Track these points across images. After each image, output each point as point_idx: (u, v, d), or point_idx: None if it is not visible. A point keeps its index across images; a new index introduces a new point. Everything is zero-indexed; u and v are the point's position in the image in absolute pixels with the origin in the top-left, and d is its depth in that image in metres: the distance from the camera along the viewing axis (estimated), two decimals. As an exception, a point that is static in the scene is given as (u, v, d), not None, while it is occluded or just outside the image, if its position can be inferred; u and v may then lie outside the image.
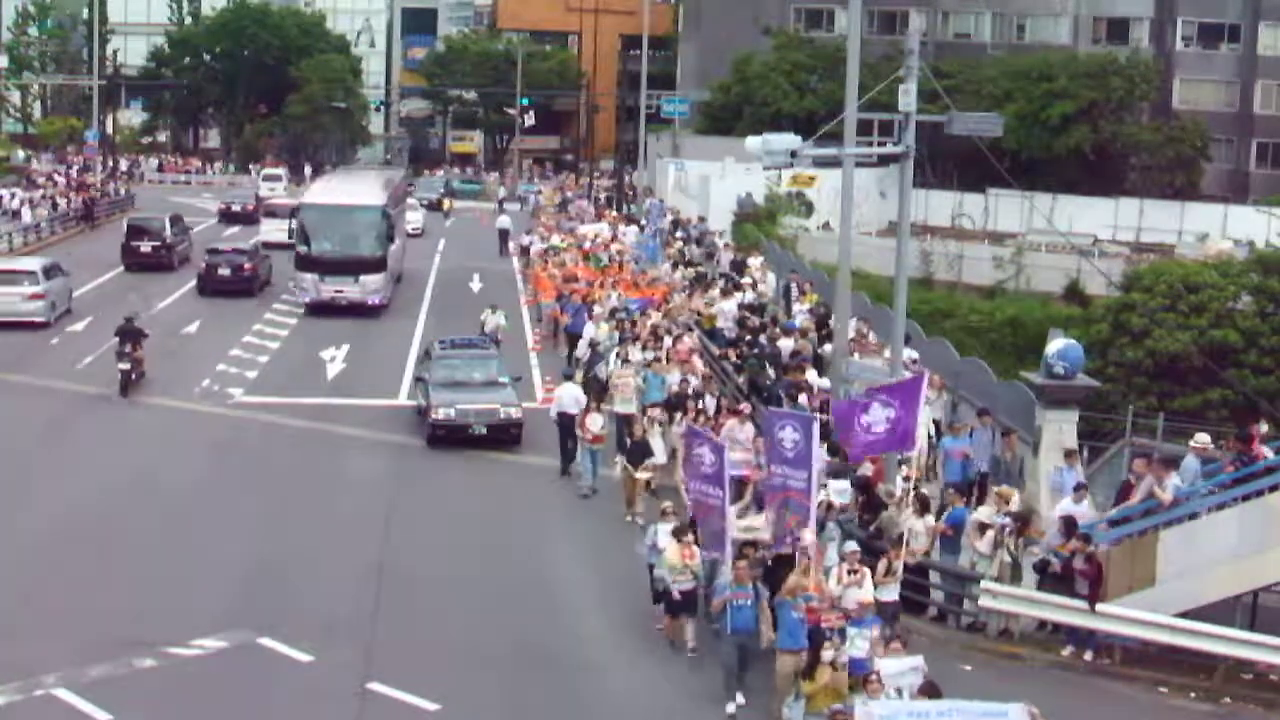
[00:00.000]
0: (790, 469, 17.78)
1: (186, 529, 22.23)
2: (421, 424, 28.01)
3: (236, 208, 63.42)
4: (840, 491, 20.18)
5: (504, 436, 27.35)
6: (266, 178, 77.68)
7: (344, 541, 21.94)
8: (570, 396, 26.13)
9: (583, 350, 31.51)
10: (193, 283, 44.16)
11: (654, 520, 19.47)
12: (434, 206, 73.17)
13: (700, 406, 24.99)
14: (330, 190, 45.13)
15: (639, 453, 23.51)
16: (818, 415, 18.45)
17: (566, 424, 25.74)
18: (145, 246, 47.57)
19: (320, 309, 39.96)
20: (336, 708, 16.22)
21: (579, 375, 29.36)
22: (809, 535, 17.29)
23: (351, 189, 44.96)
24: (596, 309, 33.85)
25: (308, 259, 40.55)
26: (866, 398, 19.70)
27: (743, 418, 23.38)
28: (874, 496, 20.86)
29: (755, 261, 41.52)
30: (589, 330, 32.20)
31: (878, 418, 18.74)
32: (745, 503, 20.02)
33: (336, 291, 39.99)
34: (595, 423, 24.80)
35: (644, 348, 29.35)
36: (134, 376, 30.69)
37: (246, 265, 43.57)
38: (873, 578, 17.35)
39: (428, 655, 17.74)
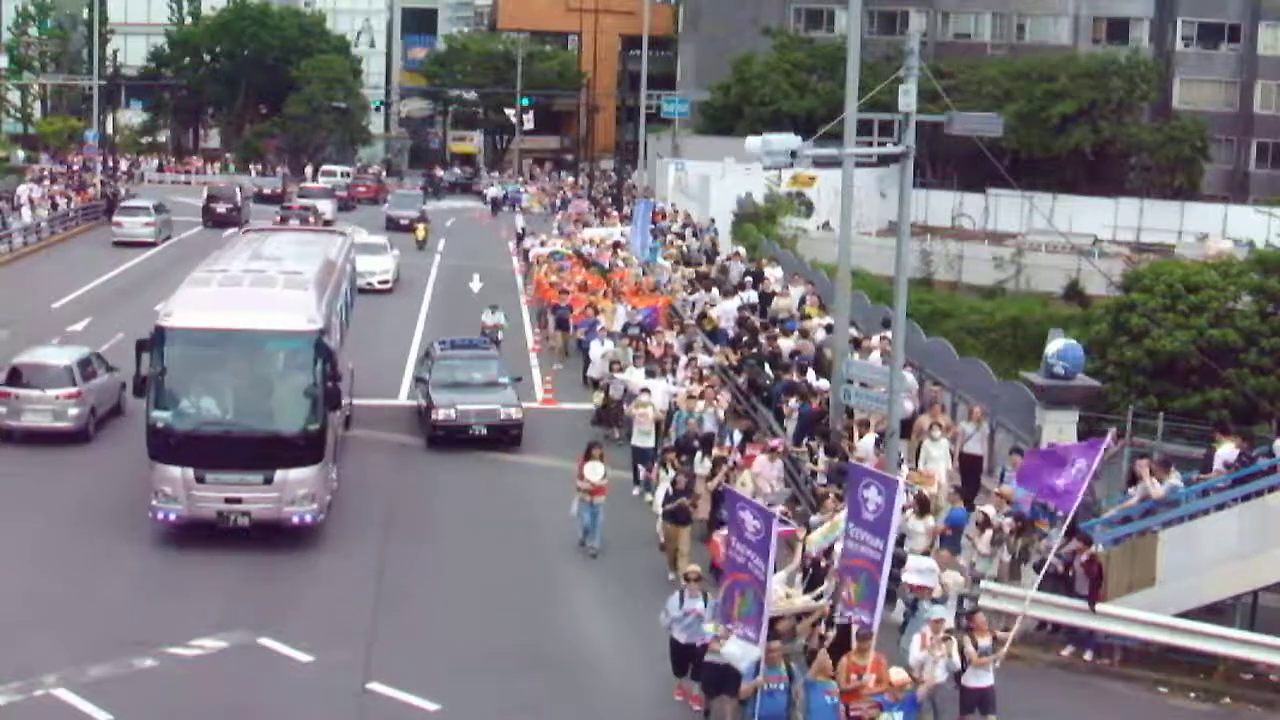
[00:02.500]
0: (868, 534, 15.70)
1: (187, 529, 22.20)
2: (422, 424, 27.98)
3: (267, 191, 74.89)
4: (921, 571, 17.58)
5: (504, 437, 27.19)
6: (324, 173, 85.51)
7: (344, 541, 21.94)
8: (660, 393, 25.83)
9: (596, 370, 30.00)
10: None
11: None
12: (406, 228, 59.92)
13: (728, 445, 23.02)
14: (216, 295, 22.71)
15: (682, 507, 20.67)
16: (900, 479, 16.54)
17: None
18: (221, 208, 62.18)
19: (197, 532, 21.48)
20: (336, 708, 16.22)
21: (597, 397, 28.85)
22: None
23: (256, 292, 22.71)
24: (602, 323, 32.65)
25: (168, 438, 21.11)
26: (1065, 453, 17.94)
27: (774, 454, 21.94)
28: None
29: (774, 273, 39.39)
30: (596, 347, 30.77)
31: (1074, 471, 17.15)
32: (794, 567, 17.69)
33: (227, 501, 21.23)
34: (595, 472, 21.53)
35: (664, 371, 27.80)
36: None
37: (310, 218, 58.15)
38: (964, 656, 15.62)
39: (428, 655, 17.75)
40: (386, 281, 44.84)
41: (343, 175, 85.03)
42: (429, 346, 31.13)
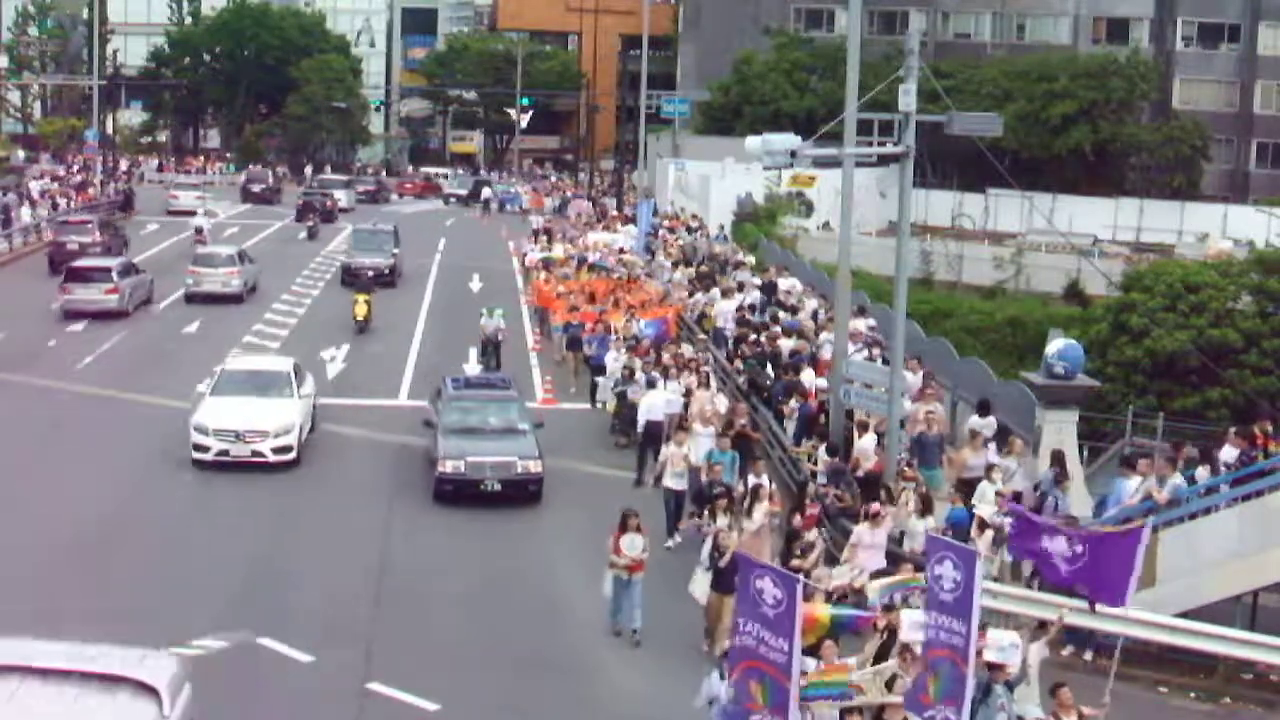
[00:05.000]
0: (947, 617, 13.13)
1: (187, 529, 22.23)
2: (428, 471, 25.01)
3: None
4: (1003, 649, 14.54)
5: (521, 494, 24.07)
6: (421, 174, 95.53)
7: (345, 541, 21.94)
8: (660, 402, 25.01)
9: (609, 384, 28.79)
10: (291, 216, 65.35)
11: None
12: (377, 282, 42.89)
13: (770, 492, 20.42)
14: None
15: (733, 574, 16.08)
16: (980, 551, 14.87)
17: (654, 433, 24.47)
18: (256, 188, 75.94)
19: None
20: (336, 708, 16.21)
21: (609, 405, 28.22)
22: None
23: None
24: (614, 338, 31.22)
25: None
26: (1057, 529, 15.62)
27: (876, 520, 19.11)
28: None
29: (789, 283, 38.28)
30: (611, 359, 29.61)
31: (1060, 549, 14.94)
32: (865, 657, 15.25)
33: None
34: (634, 545, 18.04)
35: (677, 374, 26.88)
36: (315, 231, 59.23)
37: (329, 203, 67.50)
38: None
39: (428, 655, 17.74)
40: (288, 449, 25.64)
41: (439, 176, 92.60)
42: (439, 384, 27.77)
